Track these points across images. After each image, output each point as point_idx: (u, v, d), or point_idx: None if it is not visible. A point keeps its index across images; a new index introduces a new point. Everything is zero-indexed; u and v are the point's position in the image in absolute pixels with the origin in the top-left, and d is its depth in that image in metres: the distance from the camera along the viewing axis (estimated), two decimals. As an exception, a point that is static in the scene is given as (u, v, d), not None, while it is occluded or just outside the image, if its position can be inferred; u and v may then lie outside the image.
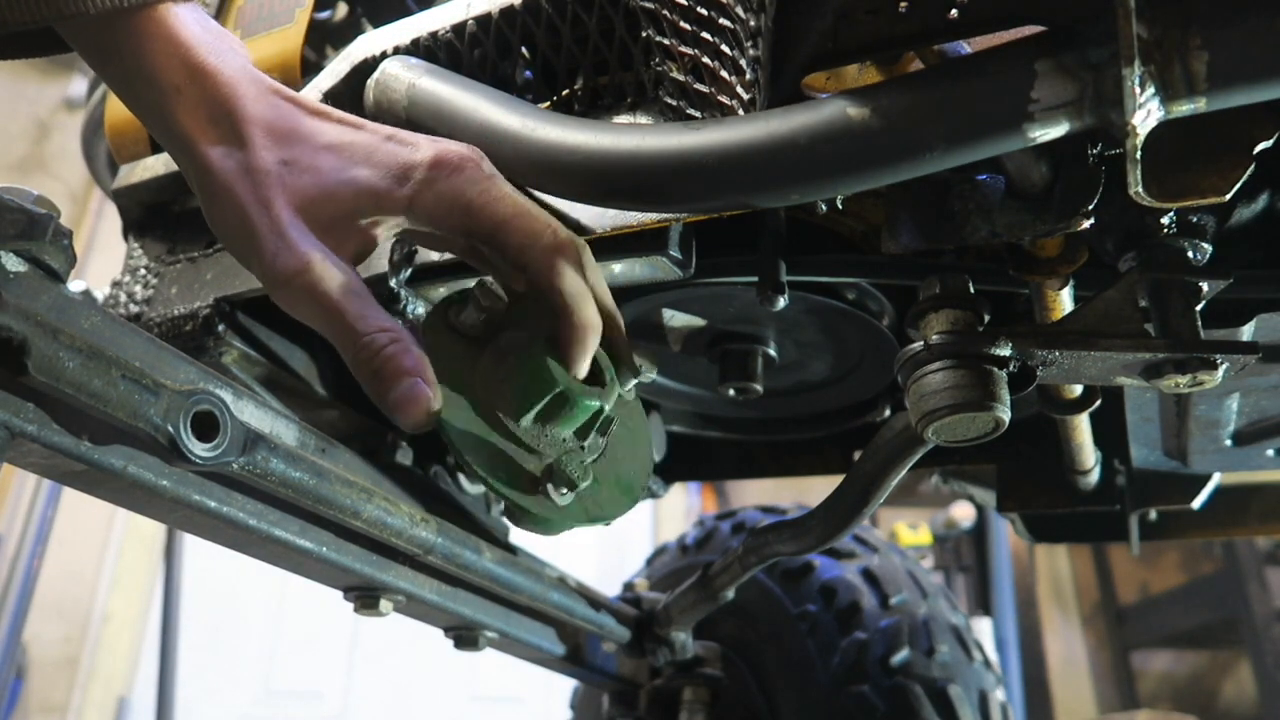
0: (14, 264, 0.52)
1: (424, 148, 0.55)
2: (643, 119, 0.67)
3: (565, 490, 0.53)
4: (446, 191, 0.54)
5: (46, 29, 0.52)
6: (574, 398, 0.54)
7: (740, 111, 0.60)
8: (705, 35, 0.61)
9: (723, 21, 0.61)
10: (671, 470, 1.42)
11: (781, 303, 0.79)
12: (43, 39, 0.54)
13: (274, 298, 0.54)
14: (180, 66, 0.52)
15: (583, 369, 0.56)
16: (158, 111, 0.53)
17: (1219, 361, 0.60)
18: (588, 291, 0.57)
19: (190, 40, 0.53)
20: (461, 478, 0.99)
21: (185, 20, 0.53)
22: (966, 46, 0.57)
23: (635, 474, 0.60)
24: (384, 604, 0.90)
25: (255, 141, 0.53)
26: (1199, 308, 0.63)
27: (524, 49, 0.72)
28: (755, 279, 0.81)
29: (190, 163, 0.54)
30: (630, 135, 0.58)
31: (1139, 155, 0.48)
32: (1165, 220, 0.65)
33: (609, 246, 0.69)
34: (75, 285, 0.94)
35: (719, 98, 0.61)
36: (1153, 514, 1.20)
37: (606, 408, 0.55)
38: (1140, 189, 0.50)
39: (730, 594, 1.17)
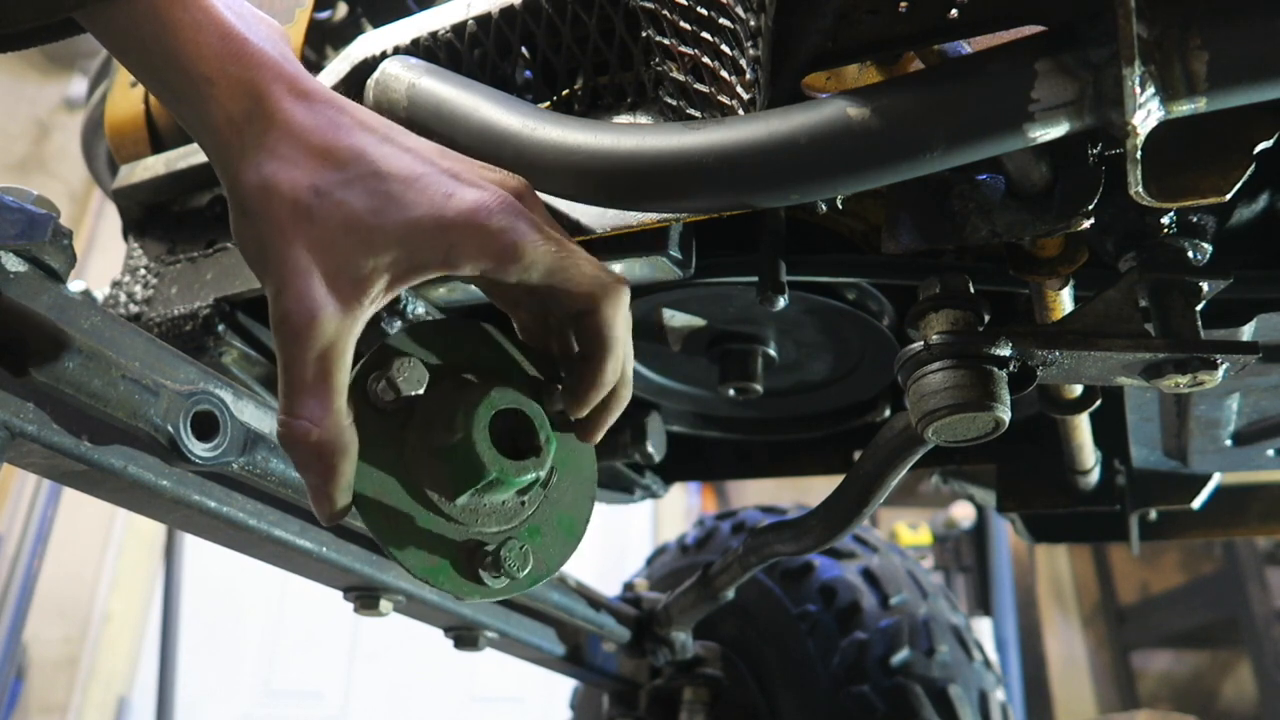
0: (14, 264, 0.52)
1: (465, 190, 0.49)
2: (643, 119, 0.67)
3: (502, 579, 0.52)
4: (491, 244, 0.49)
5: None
6: (508, 480, 0.52)
7: (740, 111, 0.60)
8: (705, 35, 0.61)
9: (723, 21, 0.61)
10: (671, 470, 1.42)
11: (781, 303, 0.79)
12: (56, 24, 0.49)
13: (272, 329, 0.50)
14: (213, 55, 0.48)
15: (597, 436, 0.55)
16: (189, 103, 0.49)
17: (1219, 361, 0.60)
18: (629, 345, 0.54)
19: (223, 23, 0.48)
20: None
21: (211, 2, 0.48)
22: (966, 46, 0.57)
23: (579, 509, 0.58)
24: (384, 604, 0.90)
25: (286, 155, 0.48)
26: (1199, 308, 0.63)
27: (524, 49, 0.72)
28: (755, 279, 0.81)
29: (218, 166, 0.51)
30: (630, 135, 0.58)
31: (1139, 155, 0.48)
32: (1165, 220, 0.65)
33: (609, 246, 0.69)
34: (75, 285, 0.94)
35: (719, 98, 0.61)
36: (1153, 514, 1.20)
37: (542, 475, 0.54)
38: (1140, 189, 0.50)
39: (730, 594, 1.17)
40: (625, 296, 0.53)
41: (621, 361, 0.55)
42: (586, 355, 0.54)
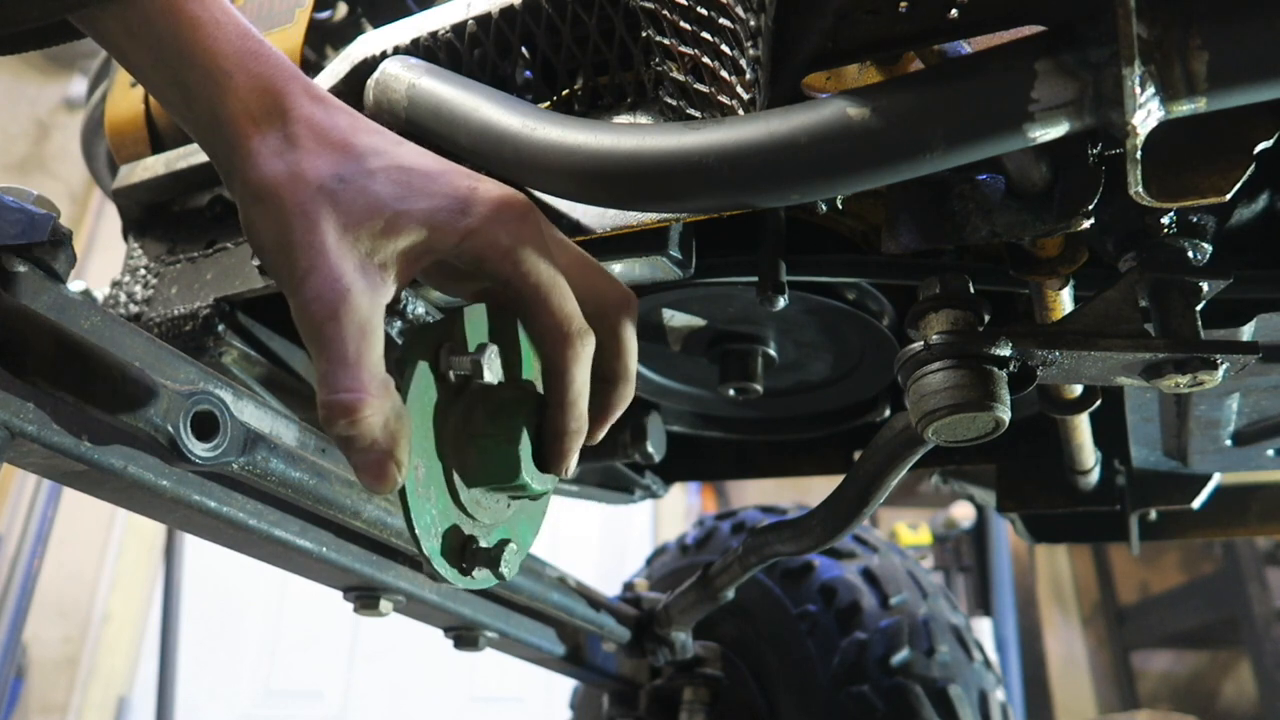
0: (14, 264, 0.52)
1: (490, 183, 0.51)
2: (643, 119, 0.67)
3: (490, 575, 0.53)
4: (505, 236, 0.49)
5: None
6: (530, 489, 0.52)
7: (740, 111, 0.60)
8: (705, 35, 0.61)
9: (723, 21, 0.61)
10: (671, 470, 1.42)
11: (781, 303, 0.79)
12: (52, 26, 0.50)
13: (294, 316, 0.49)
14: (232, 51, 0.49)
15: (568, 469, 0.54)
16: (203, 98, 0.49)
17: (1219, 361, 0.60)
18: (586, 393, 0.53)
19: (240, 22, 0.50)
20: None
21: (227, 4, 0.50)
22: (966, 46, 0.57)
23: (535, 522, 0.59)
24: (384, 604, 0.90)
25: (307, 146, 0.49)
26: (1199, 308, 0.63)
27: (524, 49, 0.72)
28: (755, 279, 0.81)
29: (234, 157, 0.50)
30: (630, 135, 0.58)
31: (1139, 155, 0.48)
32: (1165, 220, 0.65)
33: (609, 246, 0.69)
34: (75, 285, 0.94)
35: (719, 98, 0.61)
36: (1153, 514, 1.20)
37: (551, 489, 0.54)
38: (1140, 189, 0.50)
39: (730, 594, 1.17)
40: (582, 350, 0.51)
41: (577, 409, 0.53)
42: (546, 396, 0.53)
